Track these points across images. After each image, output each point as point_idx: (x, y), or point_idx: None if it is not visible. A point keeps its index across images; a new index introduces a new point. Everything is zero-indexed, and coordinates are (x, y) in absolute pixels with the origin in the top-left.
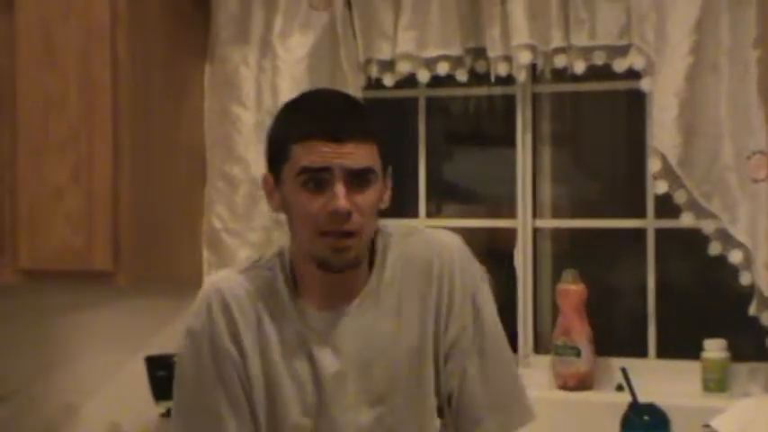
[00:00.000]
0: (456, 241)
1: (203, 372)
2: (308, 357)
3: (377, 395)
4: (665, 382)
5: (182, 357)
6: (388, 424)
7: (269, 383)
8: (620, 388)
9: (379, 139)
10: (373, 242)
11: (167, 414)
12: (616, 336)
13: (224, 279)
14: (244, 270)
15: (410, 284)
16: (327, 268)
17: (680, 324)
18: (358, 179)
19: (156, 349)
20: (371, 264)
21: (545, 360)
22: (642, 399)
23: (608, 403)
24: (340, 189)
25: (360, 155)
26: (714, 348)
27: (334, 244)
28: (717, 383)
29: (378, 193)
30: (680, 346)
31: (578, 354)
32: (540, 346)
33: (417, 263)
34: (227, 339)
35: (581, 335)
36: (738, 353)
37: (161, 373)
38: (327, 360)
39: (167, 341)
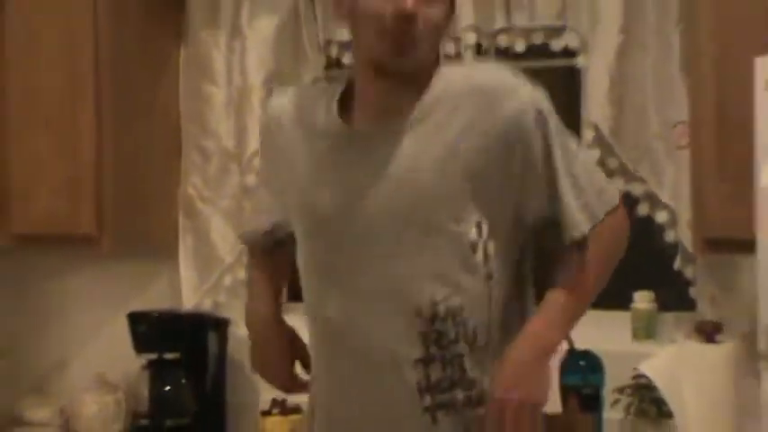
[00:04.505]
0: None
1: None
2: (336, 170)
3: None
4: (598, 330)
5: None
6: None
7: (299, 192)
8: None
9: None
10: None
11: (148, 366)
12: None
13: (275, 98)
14: (302, 86)
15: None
16: (384, 71)
17: (612, 277)
18: None
19: (137, 306)
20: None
21: None
22: (578, 346)
23: None
24: None
25: None
26: (643, 300)
27: (394, 47)
28: (645, 331)
29: (445, 12)
30: (612, 298)
31: None
32: None
33: (478, 89)
34: (269, 149)
35: None
36: (665, 303)
37: (142, 329)
38: (359, 178)
39: (147, 299)
